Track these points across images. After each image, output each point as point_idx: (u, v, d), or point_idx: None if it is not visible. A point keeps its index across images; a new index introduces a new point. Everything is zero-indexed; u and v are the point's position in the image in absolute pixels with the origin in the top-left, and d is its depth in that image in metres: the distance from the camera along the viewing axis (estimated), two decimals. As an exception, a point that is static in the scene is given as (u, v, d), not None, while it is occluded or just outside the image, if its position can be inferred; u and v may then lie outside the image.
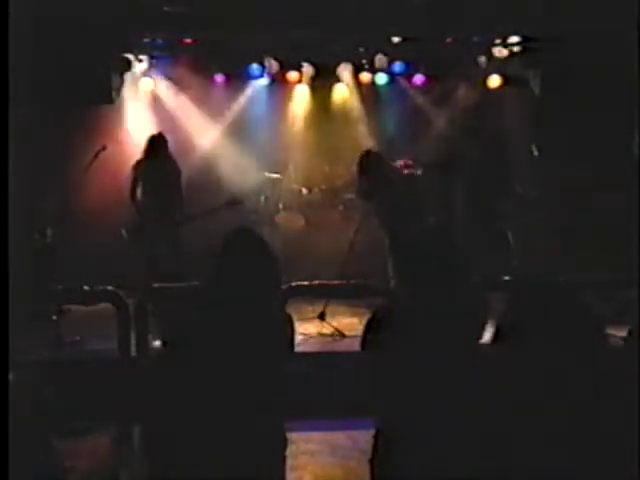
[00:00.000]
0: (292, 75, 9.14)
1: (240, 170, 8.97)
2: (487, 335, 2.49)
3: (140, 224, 6.82)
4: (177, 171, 7.03)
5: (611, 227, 6.99)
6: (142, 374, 2.85)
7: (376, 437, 2.73)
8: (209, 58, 8.75)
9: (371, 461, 2.74)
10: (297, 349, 2.94)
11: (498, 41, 8.38)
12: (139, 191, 6.93)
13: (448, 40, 8.24)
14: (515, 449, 2.16)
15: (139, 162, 6.98)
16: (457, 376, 2.48)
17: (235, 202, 7.03)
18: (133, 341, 4.20)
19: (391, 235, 6.82)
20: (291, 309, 2.95)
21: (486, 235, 6.53)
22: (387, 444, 2.66)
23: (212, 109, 9.19)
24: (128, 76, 8.53)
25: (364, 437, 2.89)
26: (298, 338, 2.91)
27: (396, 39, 8.34)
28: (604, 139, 7.59)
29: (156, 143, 6.93)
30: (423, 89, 9.22)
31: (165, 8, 7.25)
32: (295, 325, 2.86)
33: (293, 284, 4.16)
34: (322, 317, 6.99)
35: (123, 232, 6.94)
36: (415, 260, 2.73)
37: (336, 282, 5.86)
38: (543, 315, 2.15)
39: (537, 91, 8.51)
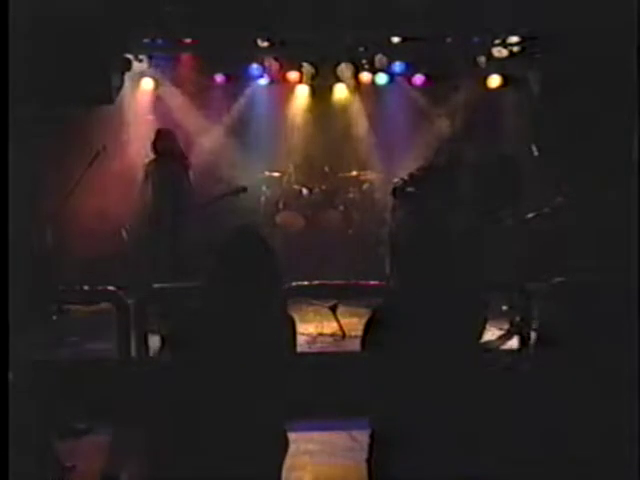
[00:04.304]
0: (292, 75, 9.12)
1: (240, 170, 8.97)
2: (488, 335, 2.49)
3: (141, 224, 6.82)
4: (186, 166, 7.04)
5: (611, 227, 6.97)
6: (142, 374, 2.85)
7: (372, 437, 2.73)
8: (209, 58, 8.74)
9: (368, 460, 2.75)
10: (296, 349, 2.93)
11: (498, 41, 8.38)
12: (149, 188, 6.91)
13: (448, 40, 8.23)
14: (510, 450, 2.17)
15: (150, 162, 6.99)
16: (456, 376, 2.48)
17: (239, 190, 7.11)
18: (133, 341, 4.20)
19: (404, 233, 6.70)
20: (291, 309, 2.95)
21: (484, 237, 6.46)
22: (383, 443, 2.66)
23: (212, 109, 9.19)
24: (128, 76, 8.52)
25: (364, 437, 2.88)
26: (298, 338, 2.90)
27: (396, 39, 8.33)
28: (604, 139, 7.58)
29: (164, 137, 6.95)
30: (423, 89, 9.21)
31: (165, 8, 7.25)
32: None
33: (293, 284, 4.16)
34: (334, 310, 6.92)
35: (123, 232, 6.94)
36: (417, 260, 2.74)
37: (336, 282, 5.84)
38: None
39: (537, 91, 8.50)
